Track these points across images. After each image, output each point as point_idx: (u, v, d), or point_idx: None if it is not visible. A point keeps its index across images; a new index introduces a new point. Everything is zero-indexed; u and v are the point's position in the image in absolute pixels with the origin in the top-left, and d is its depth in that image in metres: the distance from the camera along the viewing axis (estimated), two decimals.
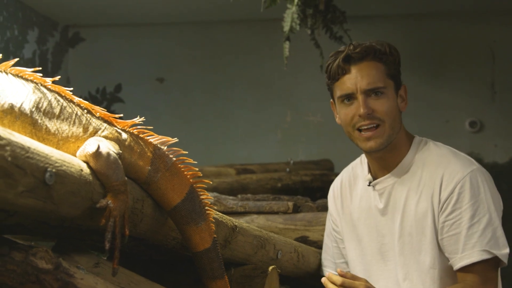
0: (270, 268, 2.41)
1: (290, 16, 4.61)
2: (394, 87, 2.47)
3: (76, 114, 1.76)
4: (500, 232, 2.34)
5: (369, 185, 2.57)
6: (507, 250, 2.34)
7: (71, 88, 1.78)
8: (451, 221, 2.36)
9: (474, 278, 2.31)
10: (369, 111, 2.40)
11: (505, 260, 2.33)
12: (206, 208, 1.99)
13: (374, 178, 2.57)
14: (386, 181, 2.52)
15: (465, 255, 2.32)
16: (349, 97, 2.45)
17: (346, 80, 2.45)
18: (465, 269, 2.33)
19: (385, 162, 2.51)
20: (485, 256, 2.31)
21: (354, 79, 2.43)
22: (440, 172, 2.42)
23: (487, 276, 2.32)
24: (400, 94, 2.50)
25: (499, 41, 6.30)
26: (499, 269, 2.41)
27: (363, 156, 2.67)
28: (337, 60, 2.46)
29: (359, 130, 2.44)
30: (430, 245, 2.41)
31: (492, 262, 2.33)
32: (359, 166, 2.68)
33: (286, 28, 4.61)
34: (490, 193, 2.38)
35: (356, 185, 2.67)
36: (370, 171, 2.59)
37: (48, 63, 6.54)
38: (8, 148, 1.30)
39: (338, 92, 2.48)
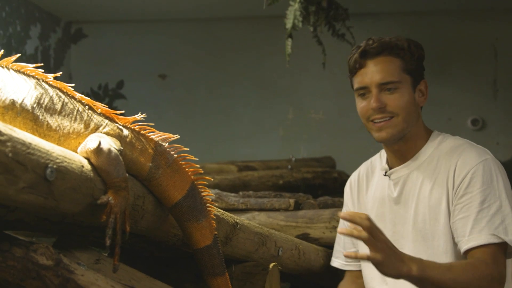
0: (271, 265, 2.41)
1: (292, 13, 4.61)
2: (412, 82, 2.51)
3: (78, 110, 1.76)
4: (510, 220, 2.33)
5: (385, 175, 2.59)
6: None
7: (73, 84, 1.79)
8: (462, 204, 2.38)
9: (483, 256, 2.30)
10: (381, 105, 2.45)
11: None
12: (207, 205, 1.99)
13: (391, 168, 2.59)
14: (402, 170, 2.55)
15: (472, 237, 2.32)
16: (364, 91, 2.49)
17: (362, 73, 2.50)
18: (472, 252, 2.32)
19: (401, 154, 2.55)
20: (493, 240, 2.30)
21: (370, 73, 2.48)
22: (455, 159, 2.45)
23: (496, 259, 2.30)
24: (419, 89, 2.55)
25: (502, 38, 6.30)
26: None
27: (382, 151, 2.70)
28: (355, 55, 2.49)
29: (373, 122, 2.48)
30: (443, 230, 2.42)
31: (501, 248, 2.32)
32: (378, 160, 2.72)
33: (289, 25, 4.61)
34: (502, 182, 2.40)
35: (373, 177, 2.70)
36: (387, 163, 2.62)
37: (51, 59, 6.54)
38: (9, 144, 1.30)
39: (355, 85, 2.54)
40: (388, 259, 2.10)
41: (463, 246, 2.34)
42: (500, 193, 2.38)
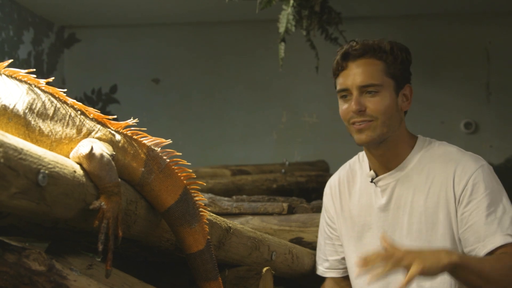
0: (264, 269, 2.41)
1: (285, 17, 4.61)
2: (394, 86, 2.48)
3: (70, 115, 1.76)
4: None
5: (371, 182, 2.57)
6: None
7: (65, 90, 1.79)
8: (468, 212, 2.37)
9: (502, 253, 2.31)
10: (361, 108, 2.43)
11: None
12: (200, 209, 1.99)
13: (376, 175, 2.57)
14: (390, 177, 2.53)
15: (488, 241, 2.32)
16: (346, 93, 2.48)
17: (344, 75, 2.49)
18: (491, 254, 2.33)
19: (386, 159, 2.52)
20: (509, 239, 2.30)
21: (351, 75, 2.46)
22: (452, 167, 2.44)
23: None
24: (403, 93, 2.51)
25: (494, 42, 6.31)
26: None
27: (361, 154, 2.68)
28: (337, 56, 2.49)
29: (354, 124, 2.47)
30: (442, 239, 2.41)
31: None
32: (357, 164, 2.69)
33: (282, 29, 4.61)
34: (500, 186, 2.43)
35: (355, 183, 2.67)
36: (371, 168, 2.60)
37: (44, 64, 6.53)
38: (0, 149, 1.30)
39: (337, 87, 2.52)
40: (425, 262, 2.08)
41: (481, 252, 2.33)
42: (501, 196, 2.39)
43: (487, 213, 2.35)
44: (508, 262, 2.25)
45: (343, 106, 2.50)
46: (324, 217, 2.79)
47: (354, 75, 2.45)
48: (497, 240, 2.31)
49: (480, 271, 2.19)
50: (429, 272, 2.10)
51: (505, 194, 2.42)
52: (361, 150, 2.70)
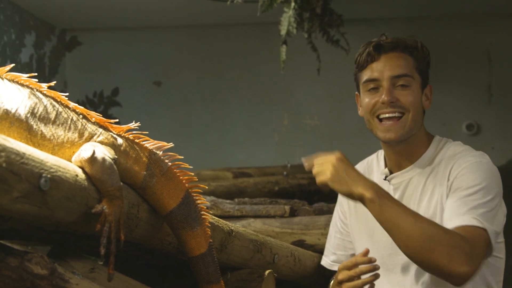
0: (267, 272, 2.41)
1: (287, 20, 4.61)
2: (421, 83, 2.50)
3: (72, 119, 1.76)
4: (495, 213, 2.27)
5: (385, 179, 2.57)
6: (497, 230, 2.27)
7: (67, 94, 1.79)
8: (450, 201, 2.33)
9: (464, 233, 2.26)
10: (393, 99, 2.43)
11: (493, 240, 2.24)
12: (202, 212, 1.99)
13: (390, 173, 2.58)
14: (403, 175, 2.53)
15: (455, 219, 2.25)
16: (374, 84, 2.48)
17: (374, 66, 2.49)
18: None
19: (403, 157, 2.52)
20: (475, 222, 2.21)
21: (382, 66, 2.47)
22: (452, 163, 2.43)
23: (476, 241, 2.20)
24: (425, 93, 2.52)
25: (496, 43, 6.31)
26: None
27: (379, 152, 2.68)
28: (367, 49, 2.49)
29: (380, 119, 2.45)
30: None
31: (483, 237, 2.22)
32: (375, 161, 2.69)
33: (283, 31, 4.61)
34: (496, 183, 2.36)
35: (371, 179, 2.68)
36: (386, 166, 2.61)
37: (45, 67, 6.54)
38: (3, 154, 1.31)
39: (364, 78, 2.51)
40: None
41: (447, 226, 2.26)
42: (490, 192, 2.31)
43: (467, 193, 2.29)
44: (452, 237, 2.17)
45: (369, 98, 2.49)
46: (337, 210, 2.79)
47: (385, 66, 2.46)
48: (464, 219, 2.23)
49: (399, 222, 2.18)
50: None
51: (497, 193, 2.34)
52: (368, 153, 2.71)
